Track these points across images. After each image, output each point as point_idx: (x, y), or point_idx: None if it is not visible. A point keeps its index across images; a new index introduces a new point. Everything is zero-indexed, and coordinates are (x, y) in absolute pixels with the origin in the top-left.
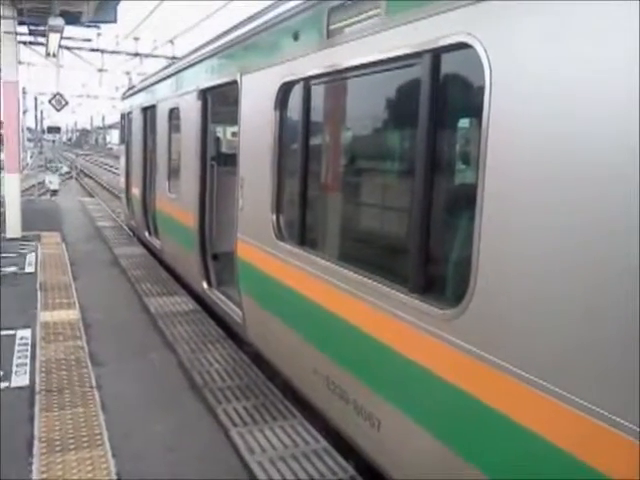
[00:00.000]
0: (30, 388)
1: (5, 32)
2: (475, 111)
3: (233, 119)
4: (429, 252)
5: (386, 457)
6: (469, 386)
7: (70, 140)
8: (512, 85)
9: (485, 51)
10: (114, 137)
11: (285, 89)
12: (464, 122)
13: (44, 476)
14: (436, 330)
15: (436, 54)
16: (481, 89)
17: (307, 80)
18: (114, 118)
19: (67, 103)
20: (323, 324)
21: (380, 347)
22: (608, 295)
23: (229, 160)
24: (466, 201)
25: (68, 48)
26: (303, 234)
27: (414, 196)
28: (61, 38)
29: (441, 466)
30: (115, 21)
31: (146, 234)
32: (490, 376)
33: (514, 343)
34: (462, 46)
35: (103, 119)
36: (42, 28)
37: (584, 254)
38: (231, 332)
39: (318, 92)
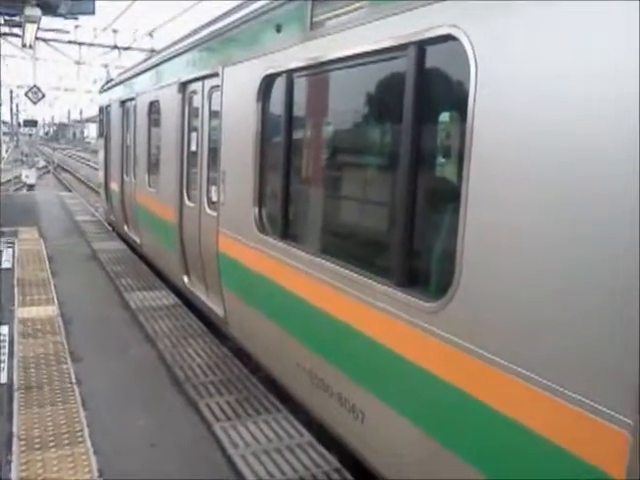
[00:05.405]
0: (8, 385)
1: None
2: (460, 104)
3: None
4: (415, 245)
5: (370, 449)
6: (453, 377)
7: (47, 134)
8: (498, 78)
9: (471, 43)
10: (92, 131)
11: (268, 81)
12: (449, 116)
13: (24, 474)
14: (421, 322)
15: (421, 46)
16: (466, 82)
17: (290, 72)
18: (92, 112)
19: (44, 96)
20: (306, 318)
21: (364, 340)
22: (592, 289)
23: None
24: (451, 195)
25: (45, 40)
26: (286, 227)
27: (399, 190)
28: (37, 29)
29: (426, 457)
30: (93, 13)
31: (125, 229)
32: (474, 367)
33: (498, 335)
34: (448, 38)
35: (81, 113)
36: (18, 18)
37: (565, 248)
38: (212, 326)
39: (301, 85)
